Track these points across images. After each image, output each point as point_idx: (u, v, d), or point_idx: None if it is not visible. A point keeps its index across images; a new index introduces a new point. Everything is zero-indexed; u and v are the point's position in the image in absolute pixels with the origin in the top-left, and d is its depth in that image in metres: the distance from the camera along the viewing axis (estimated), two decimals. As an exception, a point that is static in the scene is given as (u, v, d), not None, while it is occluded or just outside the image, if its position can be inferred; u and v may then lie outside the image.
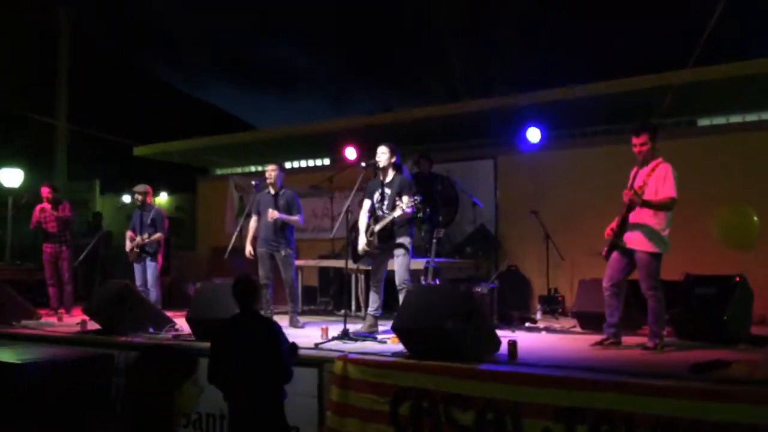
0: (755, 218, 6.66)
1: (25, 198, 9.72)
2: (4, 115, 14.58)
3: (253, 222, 6.84)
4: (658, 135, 5.25)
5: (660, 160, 5.16)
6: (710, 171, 7.98)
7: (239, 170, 12.91)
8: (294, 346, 4.41)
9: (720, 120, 9.04)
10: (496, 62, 18.57)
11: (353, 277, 7.90)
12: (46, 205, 8.29)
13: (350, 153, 9.61)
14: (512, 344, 4.61)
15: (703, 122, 9.15)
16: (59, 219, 8.31)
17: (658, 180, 5.08)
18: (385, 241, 5.89)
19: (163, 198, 25.42)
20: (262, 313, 6.52)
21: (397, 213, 5.74)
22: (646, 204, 5.04)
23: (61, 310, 7.83)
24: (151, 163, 13.80)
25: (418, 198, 5.73)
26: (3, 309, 7.01)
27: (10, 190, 12.23)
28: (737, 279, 5.57)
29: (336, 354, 4.77)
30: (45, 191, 8.39)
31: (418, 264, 7.30)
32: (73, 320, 7.25)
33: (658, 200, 5.04)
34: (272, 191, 6.78)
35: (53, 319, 7.56)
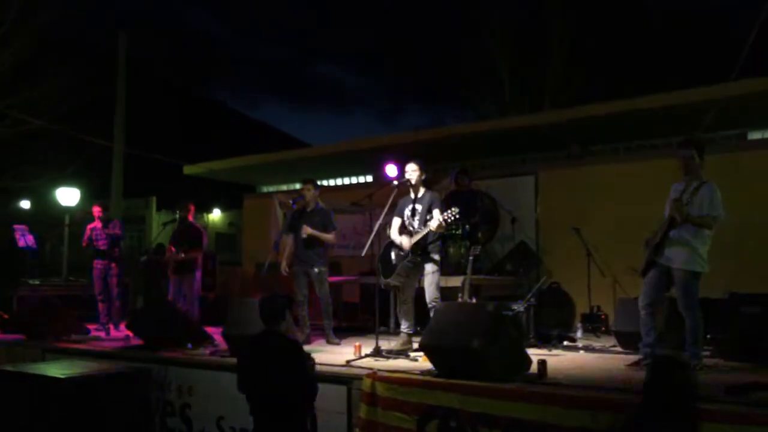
0: None
1: (78, 215, 10.07)
2: (63, 136, 15.23)
3: (289, 239, 6.95)
4: (705, 152, 5.13)
5: (705, 179, 5.01)
6: (760, 185, 7.71)
7: (285, 187, 13.15)
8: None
9: (772, 133, 8.76)
10: (546, 79, 18.44)
11: (391, 294, 7.91)
12: (97, 224, 8.61)
13: (391, 170, 9.66)
14: (542, 363, 4.54)
15: (754, 135, 8.87)
16: (109, 236, 8.61)
17: (703, 198, 4.94)
18: (417, 256, 5.89)
19: (216, 214, 26.10)
20: (299, 330, 6.64)
21: (434, 225, 5.73)
22: (691, 219, 4.90)
23: (109, 325, 8.09)
24: (206, 181, 14.20)
25: (455, 211, 5.69)
26: (53, 324, 7.29)
27: (67, 209, 12.75)
28: (784, 298, 5.35)
29: (365, 371, 4.79)
30: (96, 210, 8.74)
31: (456, 281, 7.27)
32: (120, 335, 7.50)
33: (702, 217, 4.91)
34: (308, 209, 6.88)
35: (101, 334, 7.83)
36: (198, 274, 7.94)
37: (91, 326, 8.12)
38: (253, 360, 4.09)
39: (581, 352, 6.32)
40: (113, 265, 8.61)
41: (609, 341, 6.87)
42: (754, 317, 5.39)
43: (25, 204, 20.46)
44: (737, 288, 6.17)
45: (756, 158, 8.04)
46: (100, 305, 8.66)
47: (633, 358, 5.32)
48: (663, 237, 5.06)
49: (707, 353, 5.42)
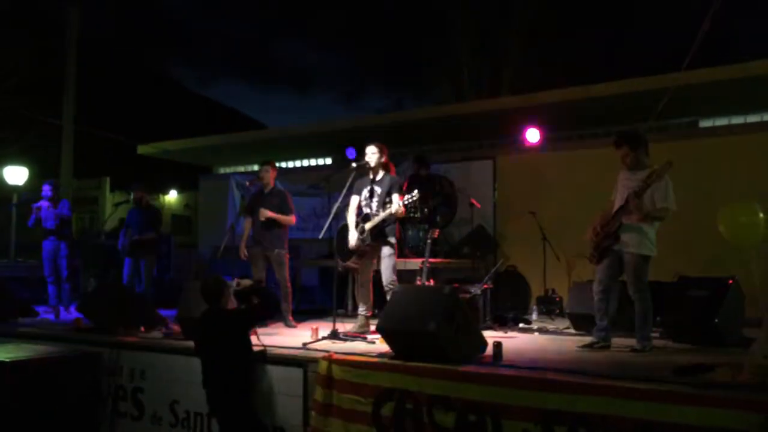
0: (761, 215, 6.53)
1: (26, 195, 9.69)
2: (12, 113, 14.70)
3: (246, 222, 6.86)
4: (642, 141, 5.21)
5: (655, 167, 5.09)
6: (711, 172, 7.90)
7: (242, 169, 12.97)
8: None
9: (722, 121, 8.98)
10: (504, 65, 18.58)
11: (349, 276, 7.90)
12: (45, 203, 8.35)
13: (351, 152, 9.63)
14: (497, 345, 4.59)
15: (705, 123, 9.09)
16: (58, 216, 8.37)
17: (656, 190, 5.02)
18: (374, 239, 5.88)
19: (172, 196, 25.65)
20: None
21: (394, 209, 5.73)
22: (651, 216, 4.99)
23: (59, 308, 7.89)
24: (162, 162, 13.90)
25: (415, 195, 5.71)
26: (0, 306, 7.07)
27: (15, 188, 12.35)
28: (730, 282, 5.51)
29: (322, 354, 4.77)
30: (45, 189, 8.47)
31: (414, 264, 7.29)
32: (71, 318, 7.31)
33: (657, 212, 5.01)
34: (265, 191, 6.79)
35: (50, 317, 7.63)
36: (154, 257, 7.81)
37: (40, 308, 7.90)
38: (201, 336, 4.47)
39: (536, 334, 6.43)
40: (63, 245, 8.37)
41: (563, 323, 7.00)
42: (701, 300, 5.53)
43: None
44: (686, 272, 6.34)
45: (707, 146, 8.23)
46: (50, 287, 8.43)
47: (585, 339, 5.43)
48: (618, 225, 5.15)
49: (656, 335, 5.57)
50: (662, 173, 4.96)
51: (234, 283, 4.74)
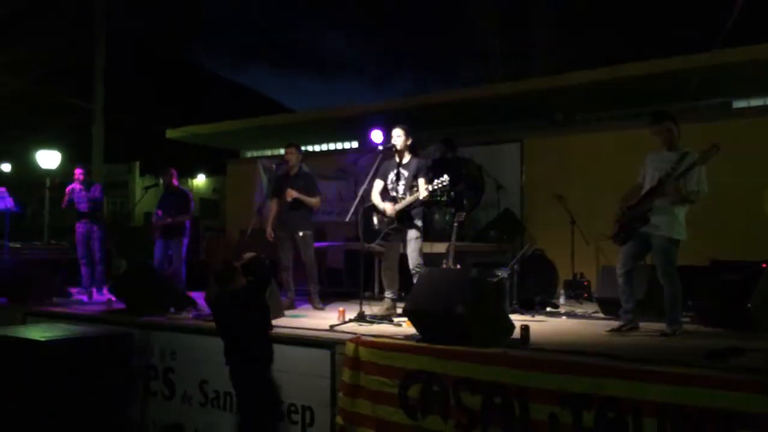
0: None
1: (57, 179, 9.84)
2: (44, 99, 14.93)
3: (273, 204, 6.90)
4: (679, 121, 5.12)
5: (687, 149, 5.00)
6: (745, 154, 7.72)
7: (269, 153, 13.04)
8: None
9: (757, 101, 8.76)
10: (533, 47, 18.34)
11: (376, 259, 7.91)
12: (78, 186, 8.51)
13: (376, 136, 9.58)
14: (524, 329, 4.57)
15: (739, 104, 8.88)
16: (90, 200, 8.52)
17: (694, 174, 4.92)
18: (400, 222, 5.87)
19: (201, 180, 25.94)
20: (286, 295, 6.66)
21: (422, 194, 5.71)
22: (685, 198, 4.90)
23: (92, 289, 8.05)
24: (190, 146, 14.03)
25: (445, 180, 5.66)
26: (34, 287, 7.23)
27: (48, 172, 12.56)
28: (764, 265, 5.41)
29: (349, 336, 4.80)
30: (77, 172, 8.64)
31: (440, 247, 7.28)
32: (103, 299, 7.47)
33: (691, 194, 4.92)
34: (291, 173, 6.82)
35: (83, 298, 7.78)
36: (185, 239, 7.90)
37: (73, 290, 8.07)
38: (217, 316, 4.64)
39: (564, 318, 6.39)
40: (95, 228, 8.54)
41: (591, 307, 6.94)
42: (734, 284, 5.46)
43: (6, 167, 20.18)
44: (718, 256, 6.24)
45: (740, 127, 8.04)
46: (83, 269, 8.61)
47: (614, 324, 5.37)
48: (648, 207, 5.06)
49: (687, 320, 5.50)
50: (709, 158, 4.85)
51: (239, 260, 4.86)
